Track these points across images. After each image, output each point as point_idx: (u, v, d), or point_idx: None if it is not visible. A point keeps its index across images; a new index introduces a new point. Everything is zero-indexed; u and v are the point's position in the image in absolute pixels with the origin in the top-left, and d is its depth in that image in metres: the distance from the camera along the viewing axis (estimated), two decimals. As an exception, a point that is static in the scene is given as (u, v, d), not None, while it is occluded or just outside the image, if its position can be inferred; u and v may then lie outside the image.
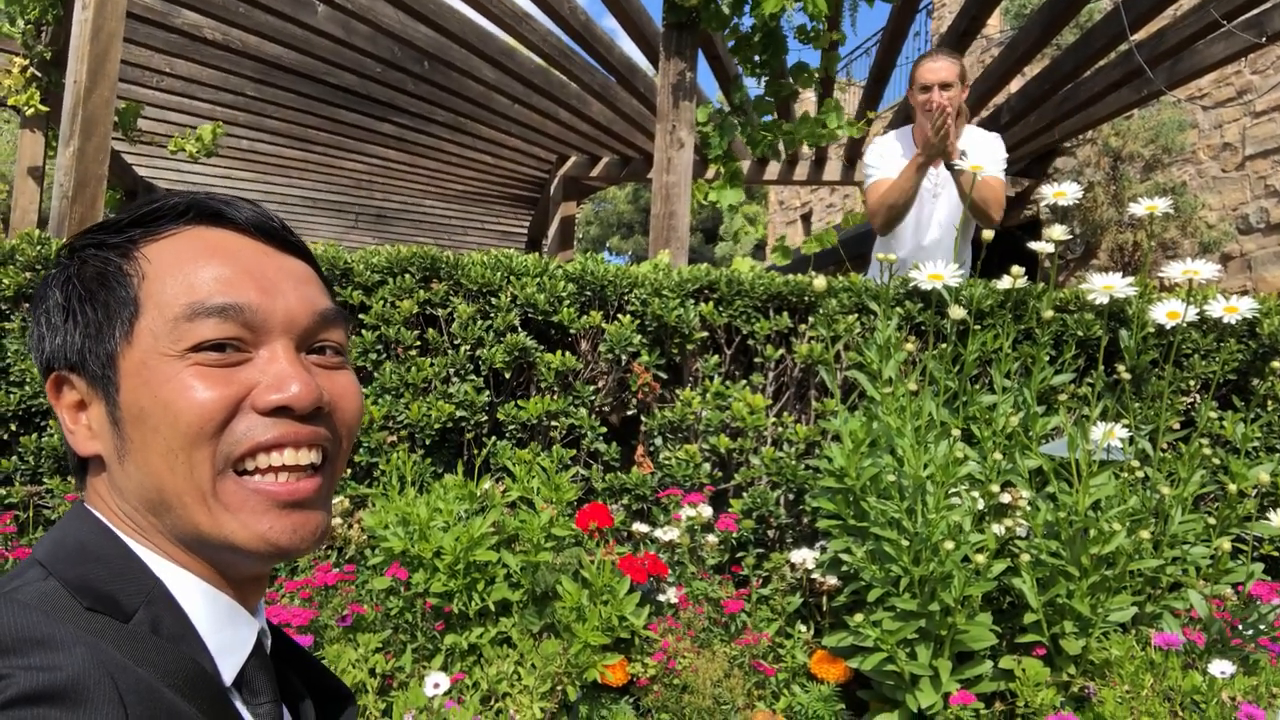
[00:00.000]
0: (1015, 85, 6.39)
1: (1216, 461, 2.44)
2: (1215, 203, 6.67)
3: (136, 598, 0.62)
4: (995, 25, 8.57)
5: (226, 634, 0.67)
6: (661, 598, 2.26)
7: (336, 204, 9.82)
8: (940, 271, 2.21)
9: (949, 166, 3.18)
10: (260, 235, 0.74)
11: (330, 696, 0.80)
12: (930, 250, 3.42)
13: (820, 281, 2.18)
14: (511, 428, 2.58)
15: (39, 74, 5.19)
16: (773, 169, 7.27)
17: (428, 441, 2.55)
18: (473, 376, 2.60)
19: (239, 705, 0.66)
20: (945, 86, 3.16)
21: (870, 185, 3.46)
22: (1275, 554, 2.44)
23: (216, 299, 0.67)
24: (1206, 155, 6.84)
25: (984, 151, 3.32)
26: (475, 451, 2.54)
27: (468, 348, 2.59)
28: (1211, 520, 2.17)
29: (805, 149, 6.22)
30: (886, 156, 3.44)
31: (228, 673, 0.66)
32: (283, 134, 7.37)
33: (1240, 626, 1.97)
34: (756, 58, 3.90)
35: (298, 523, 0.68)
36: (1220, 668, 1.73)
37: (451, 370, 2.59)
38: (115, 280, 0.68)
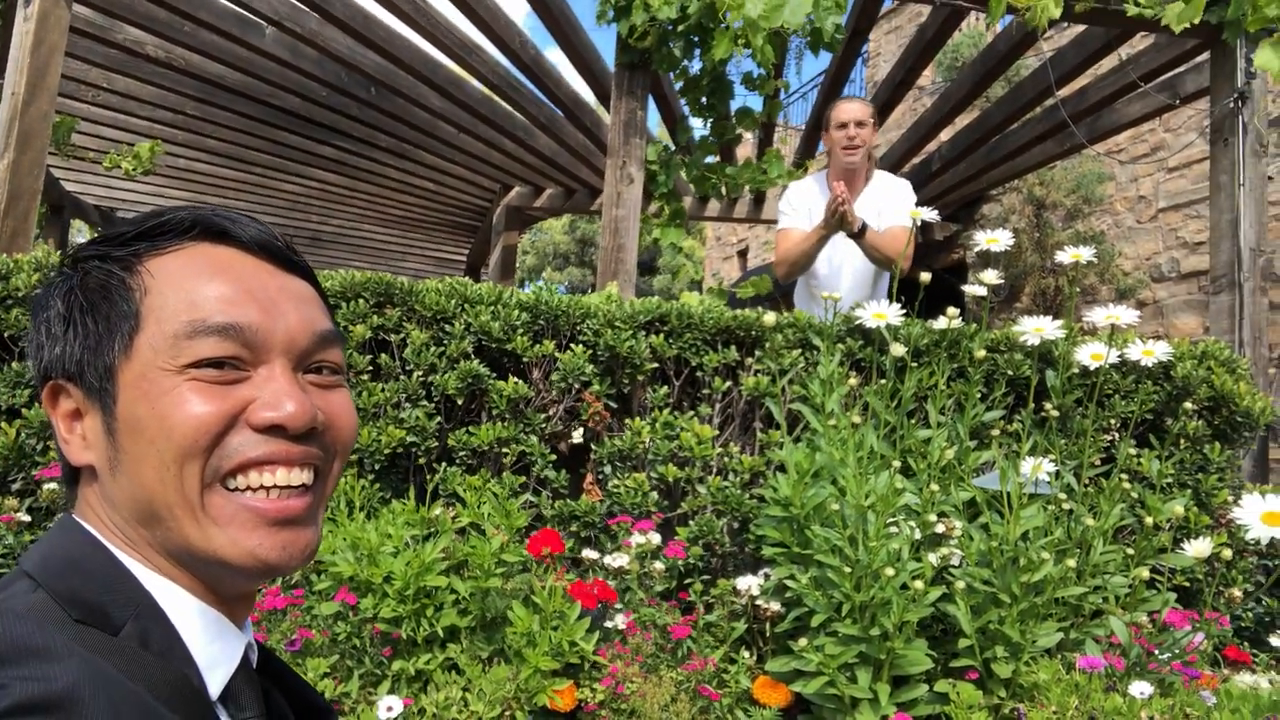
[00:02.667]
0: (946, 134, 6.66)
1: (1135, 495, 2.58)
2: (1131, 251, 7.03)
3: (126, 610, 0.62)
4: (928, 76, 8.92)
5: (214, 648, 0.67)
6: (610, 624, 2.29)
7: (271, 226, 9.67)
8: (884, 311, 2.31)
9: (851, 236, 3.32)
10: (264, 254, 0.74)
11: (311, 711, 0.80)
12: (847, 293, 3.49)
13: (770, 317, 2.27)
14: (462, 454, 2.60)
15: (-28, 84, 5.06)
16: (713, 206, 7.43)
17: (377, 466, 2.56)
18: (424, 402, 2.62)
19: (225, 718, 0.66)
20: (860, 125, 3.40)
21: (780, 231, 3.63)
22: (1187, 584, 2.59)
23: (218, 318, 0.67)
24: (1123, 206, 7.21)
25: (893, 199, 3.48)
26: (426, 477, 2.56)
27: (420, 373, 2.62)
28: (1130, 551, 2.30)
29: (746, 189, 6.39)
30: (798, 203, 3.59)
31: (214, 686, 0.65)
32: (221, 153, 7.27)
33: (1156, 651, 2.09)
34: (704, 100, 4.03)
35: (287, 540, 0.68)
36: (1139, 689, 1.84)
37: (403, 395, 2.61)
38: (117, 293, 0.68)
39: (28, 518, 2.54)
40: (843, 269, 3.59)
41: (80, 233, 12.45)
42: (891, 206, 3.45)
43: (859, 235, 3.29)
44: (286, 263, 0.76)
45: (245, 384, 0.68)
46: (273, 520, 0.68)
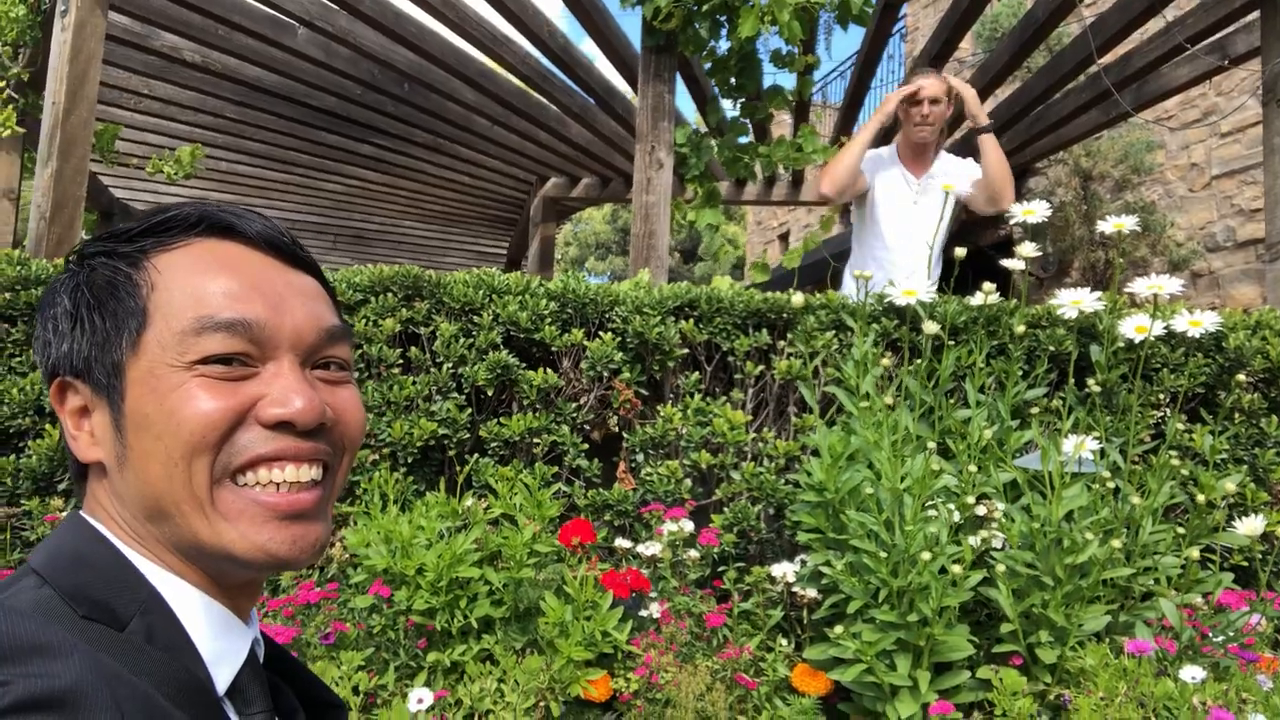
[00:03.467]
0: (988, 107, 6.50)
1: (1185, 473, 2.49)
2: (1184, 221, 6.81)
3: (132, 606, 0.62)
4: (967, 48, 8.72)
5: (221, 643, 0.66)
6: (644, 613, 2.27)
7: (316, 225, 9.81)
8: (914, 288, 2.25)
9: (979, 132, 3.44)
10: (270, 250, 0.74)
11: (322, 706, 0.80)
12: (903, 261, 3.49)
13: (798, 299, 2.22)
14: (494, 445, 2.60)
15: (15, 95, 5.17)
16: (750, 189, 7.35)
17: (410, 459, 2.56)
18: (455, 394, 2.62)
19: (232, 715, 0.65)
20: (934, 102, 3.45)
21: (859, 131, 3.65)
22: (1244, 563, 2.49)
23: (225, 314, 0.67)
24: (1174, 175, 6.98)
25: (963, 169, 3.58)
26: (457, 469, 2.55)
27: (450, 366, 2.61)
28: (1181, 530, 2.22)
29: (782, 170, 6.30)
30: (865, 162, 3.61)
31: (221, 682, 0.65)
32: (262, 155, 7.37)
33: (1210, 634, 2.01)
34: (733, 80, 3.97)
35: (297, 534, 0.68)
36: (1191, 673, 1.77)
37: (434, 388, 2.61)
38: (125, 290, 0.68)
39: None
40: (906, 245, 3.52)
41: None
42: (967, 171, 3.59)
43: (984, 130, 3.44)
44: (293, 258, 0.76)
45: (253, 380, 0.68)
46: (283, 515, 0.68)
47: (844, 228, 9.01)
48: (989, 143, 3.46)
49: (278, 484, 0.68)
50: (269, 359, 0.69)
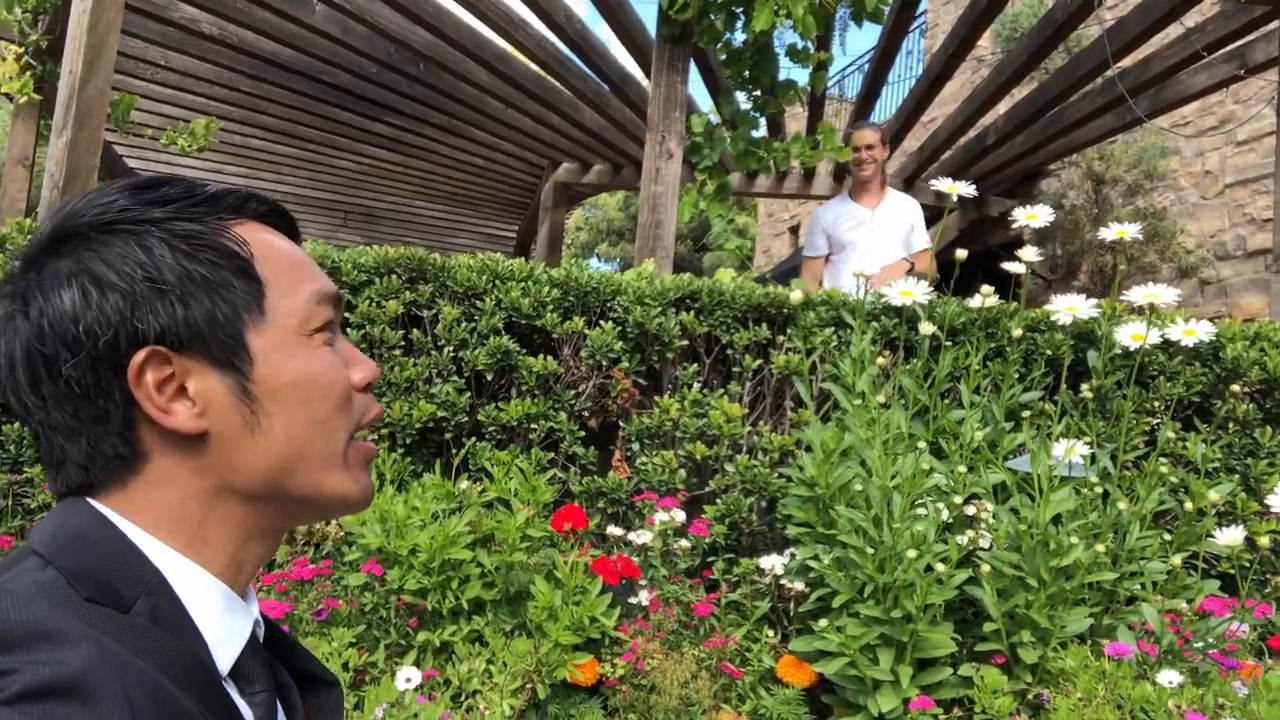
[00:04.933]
0: (1004, 107, 6.48)
1: (1175, 480, 2.50)
2: (1194, 229, 6.78)
3: (136, 587, 0.61)
4: (986, 46, 8.68)
5: (225, 624, 0.66)
6: (633, 600, 2.30)
7: (326, 202, 9.84)
8: (910, 289, 2.27)
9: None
10: (289, 229, 0.77)
11: (316, 683, 0.80)
12: (871, 263, 4.07)
13: (797, 295, 2.24)
14: (491, 429, 2.63)
15: (33, 62, 5.20)
16: (762, 182, 7.34)
17: (408, 440, 2.59)
18: (455, 378, 2.65)
19: (234, 694, 0.65)
20: (870, 148, 4.26)
21: (804, 261, 4.50)
22: (1232, 571, 2.51)
23: (328, 287, 0.73)
24: (1187, 182, 6.95)
25: (906, 216, 4.33)
26: (454, 452, 2.58)
27: (451, 349, 2.64)
28: (1168, 537, 2.24)
29: (795, 164, 6.30)
30: (816, 229, 4.40)
31: (224, 662, 0.65)
32: (276, 130, 7.39)
33: (1191, 639, 2.03)
34: (747, 73, 3.96)
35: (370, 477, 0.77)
36: (1168, 678, 1.79)
37: (434, 371, 2.63)
38: (237, 260, 0.68)
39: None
40: (873, 263, 4.04)
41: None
42: (920, 225, 4.35)
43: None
44: (297, 237, 0.78)
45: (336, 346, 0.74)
46: (370, 460, 0.76)
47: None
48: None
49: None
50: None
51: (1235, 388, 2.35)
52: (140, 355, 0.63)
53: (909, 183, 7.17)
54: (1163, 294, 1.99)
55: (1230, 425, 2.65)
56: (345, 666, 2.12)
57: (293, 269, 0.72)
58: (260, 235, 0.71)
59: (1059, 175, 7.39)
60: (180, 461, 0.66)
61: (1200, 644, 1.99)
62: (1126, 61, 5.04)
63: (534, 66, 5.81)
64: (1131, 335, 2.18)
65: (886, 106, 9.97)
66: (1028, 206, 2.40)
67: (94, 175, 4.14)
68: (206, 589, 0.66)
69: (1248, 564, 2.50)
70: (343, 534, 2.44)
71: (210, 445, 0.67)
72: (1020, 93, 6.30)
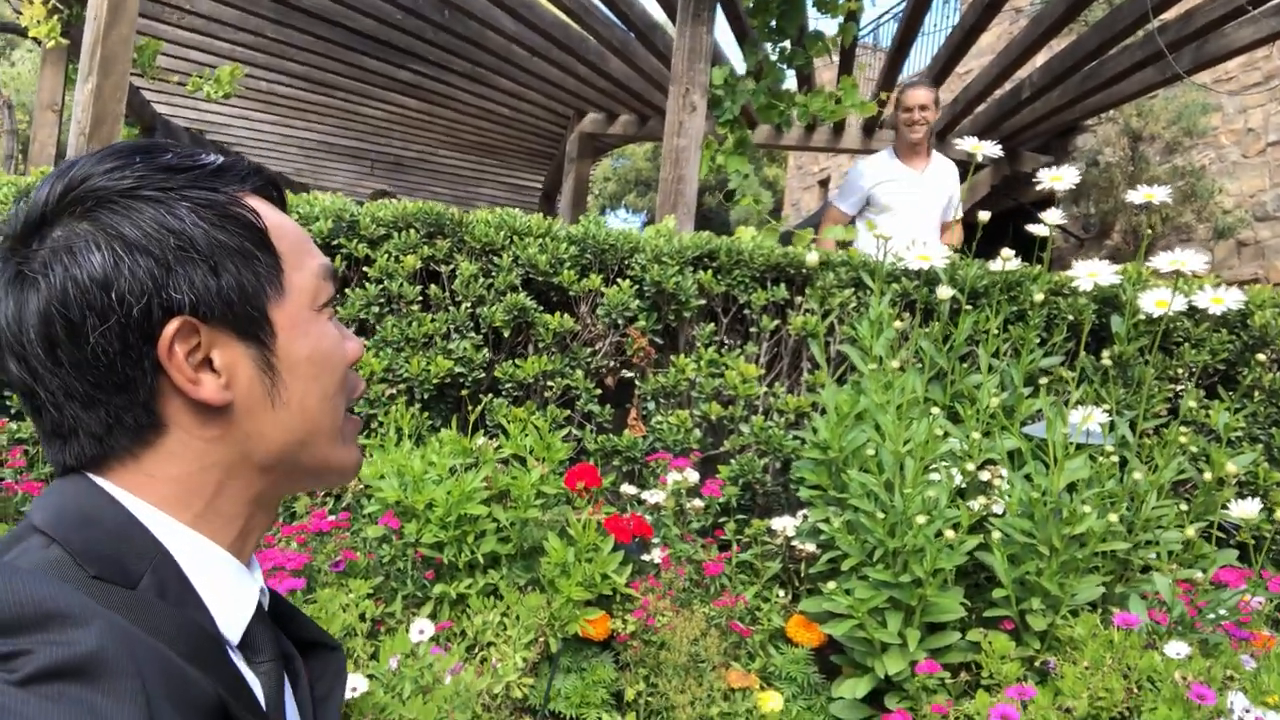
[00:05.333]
0: (1041, 59, 6.31)
1: (1195, 449, 2.48)
2: (1233, 188, 6.61)
3: (142, 562, 0.61)
4: (1025, -4, 8.44)
5: (232, 595, 0.67)
6: (645, 557, 2.32)
7: (353, 150, 9.82)
8: (930, 252, 2.23)
9: None
10: (281, 200, 0.76)
11: (318, 648, 0.80)
12: (914, 232, 3.85)
13: (813, 257, 2.21)
14: (508, 386, 2.64)
15: (61, 6, 5.20)
16: (790, 134, 7.23)
17: (426, 396, 2.61)
18: (472, 334, 2.65)
19: (241, 665, 0.66)
20: (923, 109, 4.03)
21: (827, 207, 4.24)
22: (1251, 541, 2.49)
23: (327, 262, 0.75)
24: (1228, 140, 6.77)
25: (950, 183, 4.14)
26: (471, 408, 2.60)
27: (469, 305, 2.64)
28: (1186, 507, 2.22)
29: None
30: (852, 185, 4.14)
31: (233, 634, 0.66)
32: (302, 77, 7.36)
33: (1203, 610, 2.02)
34: (773, 23, 3.88)
35: None
36: (1176, 649, 1.79)
37: (452, 327, 2.64)
38: (259, 234, 0.68)
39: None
40: (918, 221, 3.88)
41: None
42: (956, 195, 4.08)
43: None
44: (286, 209, 0.77)
45: None
46: (357, 432, 0.79)
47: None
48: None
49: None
50: None
51: (1261, 356, 2.31)
52: (173, 325, 0.63)
53: (941, 136, 7.03)
54: (1190, 260, 1.95)
55: (1255, 394, 2.61)
56: (363, 617, 2.16)
57: (299, 244, 0.72)
58: (265, 208, 0.71)
59: (1095, 131, 7.22)
60: (198, 433, 0.66)
61: (1212, 615, 1.98)
62: (1168, 15, 4.88)
63: (560, 14, 5.72)
64: (1156, 302, 2.14)
65: (921, 57, 9.75)
66: (1058, 166, 2.35)
67: (120, 122, 4.15)
68: (215, 561, 0.67)
69: (1267, 535, 2.48)
70: (362, 486, 2.47)
71: (231, 417, 0.67)
72: (1058, 45, 6.14)
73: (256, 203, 0.70)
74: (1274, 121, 6.43)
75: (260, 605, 0.70)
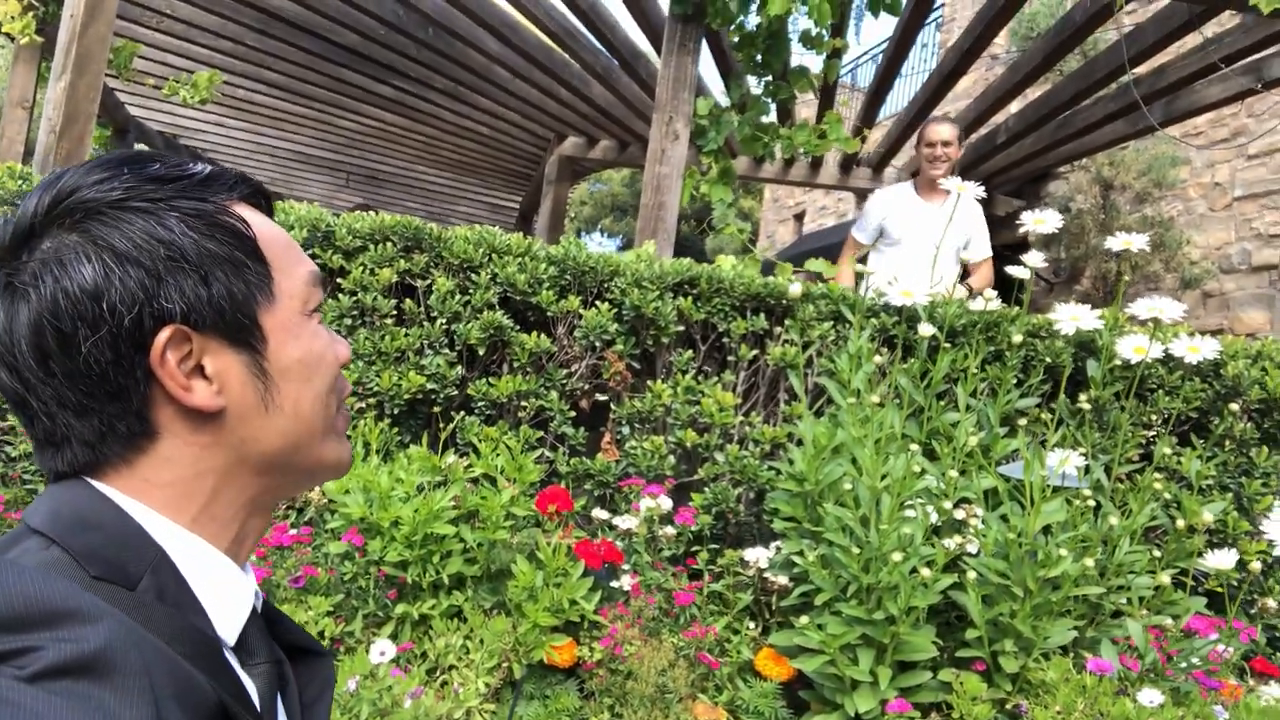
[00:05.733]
0: (1016, 106, 6.42)
1: (1168, 496, 2.49)
2: (1200, 240, 6.75)
3: (141, 564, 0.62)
4: (1002, 44, 8.60)
5: (228, 597, 0.67)
6: (615, 584, 2.28)
7: (329, 162, 9.75)
8: (911, 289, 2.23)
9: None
10: (269, 212, 0.77)
11: (306, 654, 0.80)
12: (925, 272, 3.68)
13: (796, 289, 2.20)
14: (481, 404, 2.59)
15: (37, 4, 5.12)
16: (769, 168, 7.28)
17: (396, 411, 2.56)
18: (446, 350, 2.61)
19: (236, 667, 0.66)
20: (946, 144, 3.93)
21: (849, 238, 4.17)
22: (1220, 589, 2.49)
23: (315, 268, 0.75)
24: (1196, 193, 6.91)
25: (970, 223, 3.94)
26: (442, 425, 2.55)
27: (444, 321, 2.60)
28: (1158, 553, 2.22)
29: (801, 151, 6.25)
30: (873, 216, 4.05)
31: (229, 636, 0.66)
32: (280, 87, 7.30)
33: (1175, 658, 2.02)
34: (759, 57, 3.91)
35: None
36: (1149, 697, 1.78)
37: (426, 342, 2.60)
38: (243, 241, 0.69)
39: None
40: (920, 242, 3.80)
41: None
42: (979, 235, 3.96)
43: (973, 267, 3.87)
44: (272, 216, 0.79)
45: None
46: (347, 425, 0.80)
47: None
48: (976, 272, 3.92)
49: None
50: None
51: (1234, 406, 2.33)
52: (165, 334, 0.64)
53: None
54: (1168, 308, 1.96)
55: (1226, 443, 2.63)
56: (321, 635, 2.09)
57: (288, 251, 0.73)
58: (254, 217, 0.71)
59: (1068, 178, 7.35)
60: (192, 439, 0.67)
61: (1184, 664, 1.98)
62: (1141, 69, 4.99)
63: (544, 37, 5.73)
64: (1134, 349, 2.14)
65: (899, 99, 9.89)
66: (1036, 210, 2.36)
67: (92, 121, 4.08)
68: (212, 564, 0.67)
69: (1236, 584, 2.49)
70: (325, 501, 2.41)
71: (224, 422, 0.68)
72: (1034, 93, 6.25)
73: (245, 211, 0.71)
74: (1240, 177, 6.58)
75: (255, 609, 0.71)
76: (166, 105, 7.85)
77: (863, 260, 4.06)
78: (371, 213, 2.71)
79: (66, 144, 3.90)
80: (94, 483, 0.66)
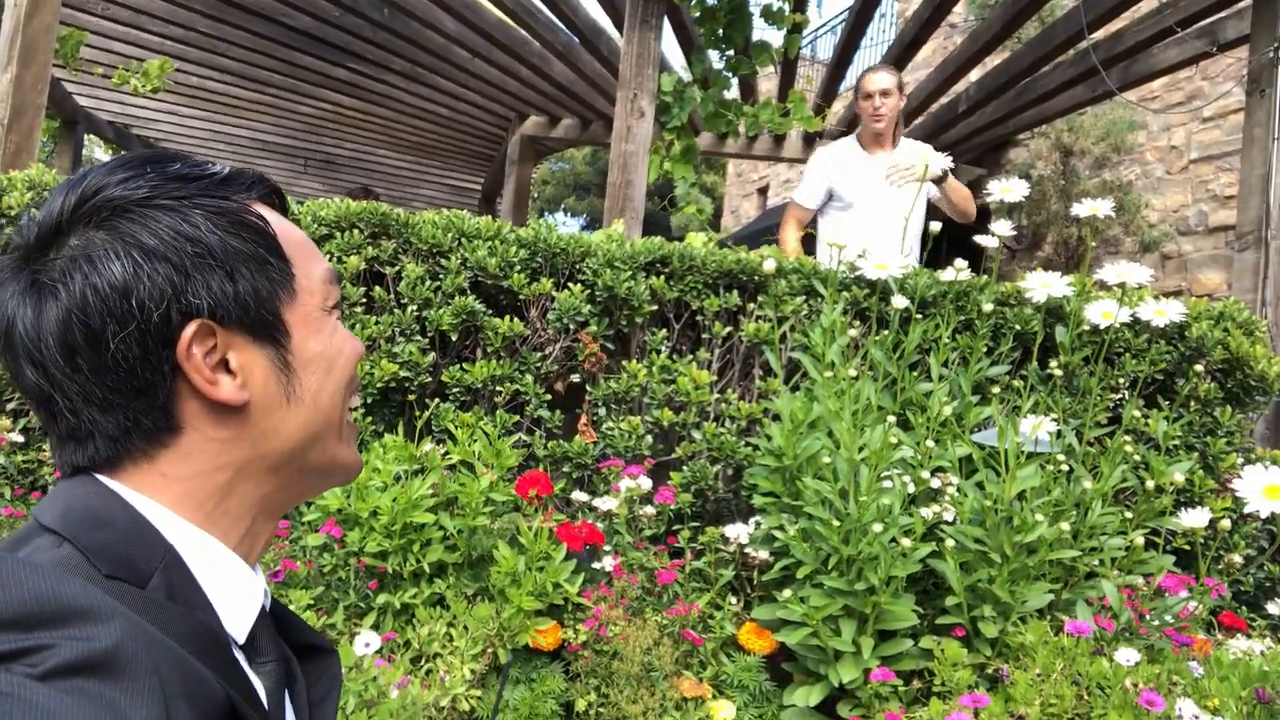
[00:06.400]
0: (975, 75, 6.46)
1: (1138, 458, 2.53)
2: (1158, 203, 6.85)
3: (152, 562, 0.62)
4: (960, 13, 8.63)
5: (238, 596, 0.68)
6: (597, 566, 2.28)
7: (286, 148, 9.58)
8: (885, 261, 2.24)
9: (936, 182, 3.45)
10: (283, 211, 0.79)
11: (313, 650, 0.81)
12: (880, 236, 3.48)
13: (769, 264, 2.20)
14: (455, 390, 2.58)
15: (-23, -7, 4.96)
16: (732, 143, 7.27)
17: (370, 400, 2.53)
18: (418, 337, 2.59)
19: (245, 666, 0.66)
20: (885, 94, 3.65)
21: (790, 202, 3.86)
22: (1188, 547, 2.55)
23: (330, 267, 0.77)
24: (1154, 156, 7.01)
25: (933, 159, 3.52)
26: (417, 413, 2.53)
27: (415, 308, 2.57)
28: (1129, 514, 2.26)
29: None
30: (816, 174, 3.75)
31: (238, 635, 0.67)
32: (234, 73, 7.15)
33: (1147, 616, 2.06)
34: (720, 31, 3.89)
35: None
36: (1126, 655, 1.81)
37: (397, 330, 2.57)
38: (266, 238, 0.70)
39: (20, 438, 2.54)
40: (882, 220, 3.57)
41: (98, 149, 12.38)
42: (932, 154, 3.42)
43: (940, 181, 3.43)
44: (287, 215, 0.81)
45: None
46: (355, 435, 0.81)
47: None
48: (948, 187, 3.56)
49: None
50: None
51: (1198, 367, 2.37)
52: (191, 329, 0.65)
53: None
54: (1135, 273, 1.99)
55: (1191, 403, 2.68)
56: (302, 630, 2.08)
57: (304, 249, 0.75)
58: (271, 215, 0.73)
59: (1028, 145, 7.41)
60: (213, 433, 0.68)
61: (1157, 622, 2.02)
62: (1099, 34, 5.03)
63: (502, 15, 5.66)
64: (1102, 313, 2.17)
65: (860, 70, 9.91)
66: (998, 178, 2.38)
67: (41, 113, 3.98)
68: (223, 562, 0.67)
69: (1204, 540, 2.54)
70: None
71: (247, 416, 0.69)
72: (993, 61, 6.29)
73: (263, 210, 0.73)
74: (1195, 140, 6.68)
75: (263, 607, 0.71)
76: (117, 95, 7.67)
77: (811, 225, 3.84)
78: (377, 199, 2.67)
79: (15, 137, 3.81)
80: (105, 479, 0.66)
